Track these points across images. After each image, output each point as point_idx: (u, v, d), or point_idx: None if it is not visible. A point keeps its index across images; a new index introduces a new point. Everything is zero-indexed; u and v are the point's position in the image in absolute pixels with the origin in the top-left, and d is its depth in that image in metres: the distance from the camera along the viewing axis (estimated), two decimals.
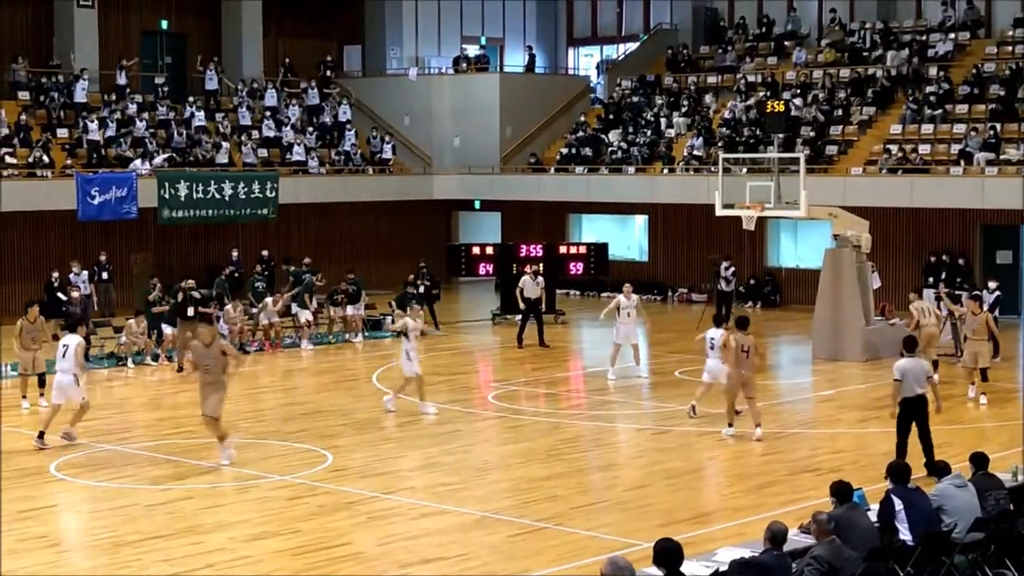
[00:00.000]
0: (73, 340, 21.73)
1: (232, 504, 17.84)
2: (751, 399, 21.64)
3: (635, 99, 46.76)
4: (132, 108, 41.42)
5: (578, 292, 42.78)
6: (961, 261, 36.08)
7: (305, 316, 32.68)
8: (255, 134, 43.54)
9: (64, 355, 21.62)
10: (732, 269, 35.86)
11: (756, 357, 21.81)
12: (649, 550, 10.84)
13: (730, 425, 21.76)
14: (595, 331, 34.07)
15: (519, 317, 32.91)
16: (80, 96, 40.47)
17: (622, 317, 27.87)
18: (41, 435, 21.08)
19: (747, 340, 21.44)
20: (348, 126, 45.81)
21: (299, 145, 43.54)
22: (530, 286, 32.29)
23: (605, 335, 30.35)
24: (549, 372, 29.42)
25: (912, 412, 18.98)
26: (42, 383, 24.72)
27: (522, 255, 36.63)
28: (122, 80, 42.02)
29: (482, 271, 37.43)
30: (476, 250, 37.43)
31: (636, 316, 28.03)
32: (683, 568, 10.78)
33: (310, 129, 45.17)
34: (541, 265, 35.32)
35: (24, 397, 24.67)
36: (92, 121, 39.68)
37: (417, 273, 35.07)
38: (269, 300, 32.01)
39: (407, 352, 23.82)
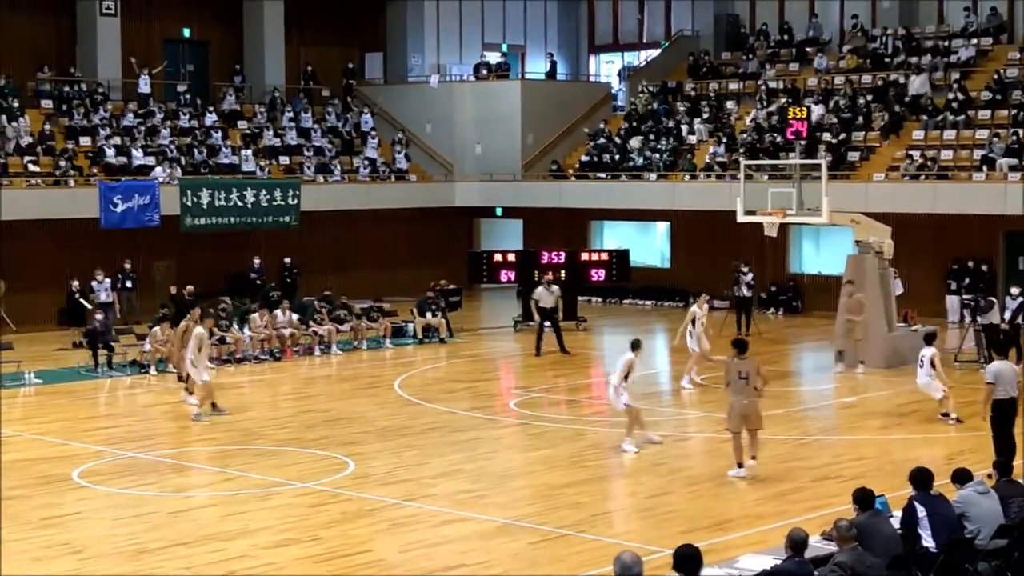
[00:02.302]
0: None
1: (254, 511, 17.86)
2: (752, 431, 19.55)
3: (656, 106, 46.73)
4: (158, 117, 41.56)
5: (600, 299, 42.74)
6: (984, 267, 35.94)
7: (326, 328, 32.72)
8: (277, 142, 43.64)
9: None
10: (751, 275, 35.80)
11: (758, 382, 19.63)
12: (670, 557, 10.83)
13: (739, 465, 19.49)
14: (616, 338, 34.05)
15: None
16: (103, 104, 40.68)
17: (697, 328, 27.75)
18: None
19: (745, 365, 19.55)
20: (372, 133, 45.89)
21: (321, 153, 43.69)
22: (545, 296, 32.31)
23: (624, 342, 30.30)
24: (571, 379, 29.41)
25: (1005, 414, 19.21)
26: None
27: (544, 262, 36.62)
28: (145, 88, 42.17)
29: (504, 278, 37.42)
30: (498, 257, 37.43)
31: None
32: (704, 575, 10.78)
33: (332, 137, 45.28)
34: (553, 274, 35.37)
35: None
36: (115, 129, 39.86)
37: (433, 293, 35.16)
38: (256, 315, 31.91)
39: None
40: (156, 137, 40.96)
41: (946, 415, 23.56)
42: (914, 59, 42.92)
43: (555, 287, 32.78)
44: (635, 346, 21.50)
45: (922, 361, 23.47)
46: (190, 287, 32.04)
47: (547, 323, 32.24)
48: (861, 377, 28.58)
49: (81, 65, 42.46)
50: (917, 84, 40.79)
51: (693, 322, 27.72)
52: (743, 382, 19.35)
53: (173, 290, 33.76)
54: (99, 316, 31.06)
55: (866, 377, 28.59)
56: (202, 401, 24.40)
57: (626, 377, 21.15)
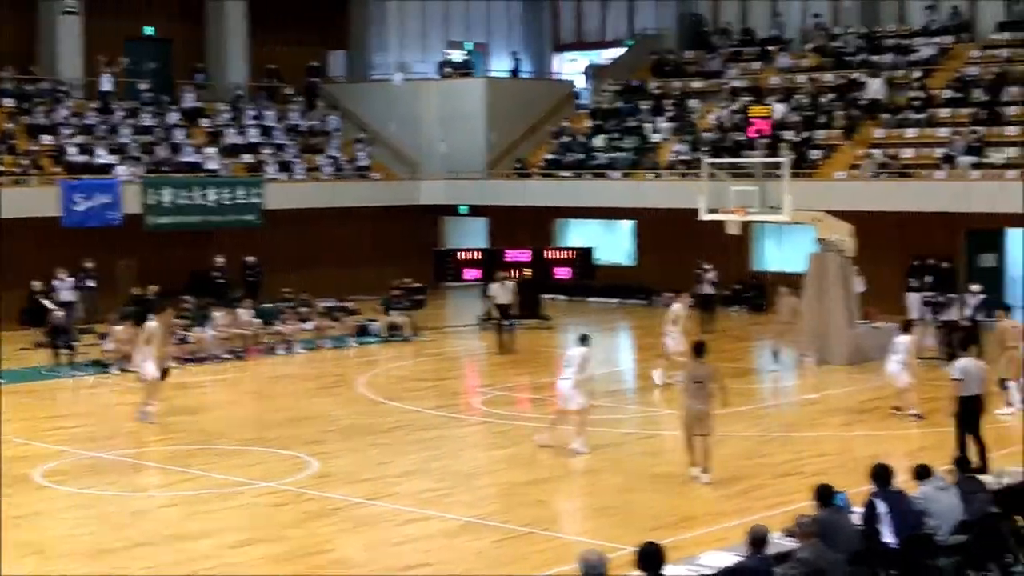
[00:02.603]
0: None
1: (217, 511, 17.83)
2: (704, 436, 19.10)
3: (621, 104, 46.82)
4: (118, 115, 41.38)
5: (565, 297, 42.78)
6: (945, 265, 36.13)
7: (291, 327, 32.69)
8: (240, 140, 43.53)
9: None
10: (714, 273, 35.90)
11: (714, 389, 19.12)
12: (633, 554, 10.87)
13: (693, 465, 19.24)
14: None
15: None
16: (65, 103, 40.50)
17: (679, 327, 27.75)
18: None
19: (702, 370, 19.18)
20: (336, 132, 45.84)
21: (283, 151, 43.62)
22: (500, 292, 32.34)
23: (592, 340, 30.35)
24: (536, 377, 29.42)
25: (971, 411, 19.34)
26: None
27: (509, 260, 36.66)
28: (107, 86, 41.98)
29: (469, 276, 37.42)
30: (463, 255, 37.44)
31: None
32: (667, 572, 10.83)
33: (295, 135, 45.19)
34: (519, 272, 35.41)
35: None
36: (77, 127, 39.70)
37: (398, 291, 35.18)
38: (219, 314, 31.83)
39: None
40: (118, 135, 40.78)
41: (897, 409, 23.73)
42: (875, 57, 43.12)
43: (509, 283, 32.73)
44: (584, 340, 21.49)
45: (897, 348, 23.65)
46: (153, 287, 31.87)
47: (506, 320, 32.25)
48: (808, 365, 29.19)
49: (43, 63, 42.23)
50: (875, 87, 40.83)
51: (675, 321, 27.74)
52: (697, 386, 18.95)
53: (136, 290, 33.61)
54: (60, 315, 30.92)
55: (828, 374, 28.71)
56: (148, 398, 24.00)
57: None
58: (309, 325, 33.28)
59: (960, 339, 24.20)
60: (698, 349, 19.40)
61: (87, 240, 36.86)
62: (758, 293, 40.38)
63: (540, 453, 21.13)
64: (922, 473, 14.45)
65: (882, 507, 13.62)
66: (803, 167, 39.25)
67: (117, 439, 22.89)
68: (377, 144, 47.10)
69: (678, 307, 27.94)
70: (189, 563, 15.47)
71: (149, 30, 45.46)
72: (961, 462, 15.56)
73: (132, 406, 25.72)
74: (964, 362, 19.60)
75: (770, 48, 46.44)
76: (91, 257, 36.29)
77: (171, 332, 28.32)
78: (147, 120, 42.21)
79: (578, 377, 20.93)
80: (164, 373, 24.95)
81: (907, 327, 24.52)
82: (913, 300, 36.61)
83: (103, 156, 39.38)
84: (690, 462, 19.18)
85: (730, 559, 12.53)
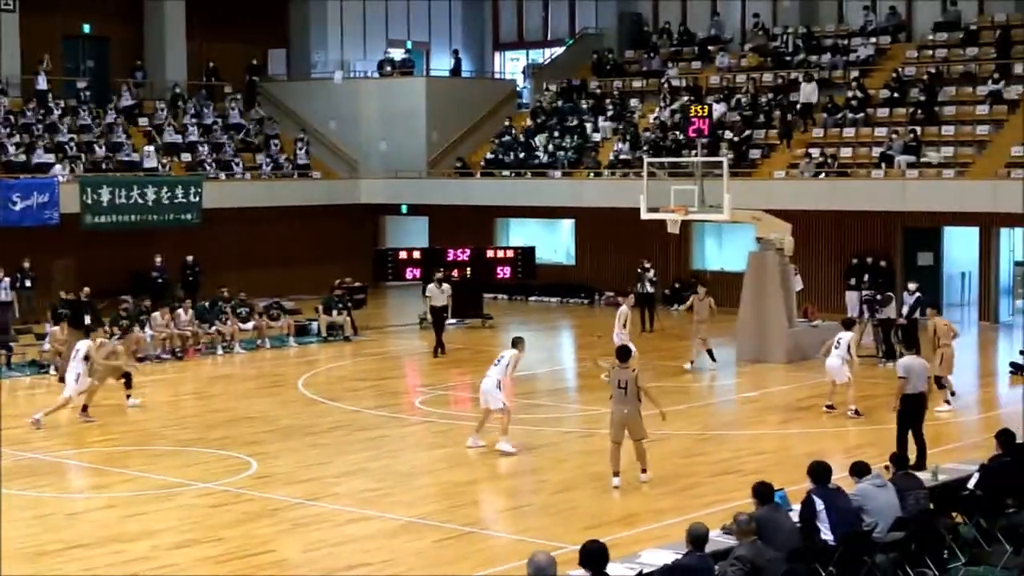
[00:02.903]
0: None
1: (155, 512, 17.71)
2: (636, 441, 18.77)
3: (561, 103, 46.89)
4: (56, 114, 41.02)
5: (506, 296, 42.81)
6: (883, 263, 36.42)
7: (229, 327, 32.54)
8: (178, 139, 43.25)
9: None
10: (654, 272, 36.02)
11: (640, 393, 18.70)
12: (575, 553, 10.89)
13: (615, 474, 18.71)
14: (522, 335, 34.05)
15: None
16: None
17: (628, 327, 27.65)
18: None
19: (625, 374, 18.70)
20: (273, 128, 45.64)
21: (222, 150, 43.40)
22: (436, 294, 32.03)
23: (531, 339, 30.37)
24: (476, 376, 29.29)
25: (913, 409, 19.44)
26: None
27: (449, 259, 36.64)
28: (43, 85, 41.60)
29: (409, 275, 37.35)
30: (403, 255, 37.39)
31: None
32: (608, 570, 10.85)
33: (234, 133, 44.94)
34: (459, 271, 35.38)
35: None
36: (14, 126, 39.32)
37: (338, 291, 35.06)
38: (157, 314, 31.64)
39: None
40: (55, 134, 40.42)
41: (830, 408, 23.85)
42: (814, 57, 43.39)
43: (447, 285, 32.44)
44: (517, 343, 21.42)
45: (838, 343, 23.81)
46: (86, 288, 31.39)
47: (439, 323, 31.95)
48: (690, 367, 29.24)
49: None
50: (807, 91, 40.94)
51: (624, 323, 27.68)
52: (622, 391, 18.55)
53: (64, 293, 33.01)
54: None
55: (767, 372, 28.86)
56: (52, 410, 23.78)
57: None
58: (249, 325, 33.12)
59: (904, 337, 24.40)
60: (622, 354, 19.00)
61: (24, 240, 36.49)
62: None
63: (480, 453, 21.12)
64: (859, 470, 14.55)
65: (820, 504, 13.71)
66: (743, 166, 39.49)
67: (54, 440, 22.69)
68: (317, 143, 46.95)
69: (625, 309, 27.85)
70: (127, 565, 15.36)
71: (86, 28, 45.07)
72: (898, 459, 15.68)
73: (69, 407, 25.59)
74: (908, 360, 19.75)
75: (710, 48, 46.63)
76: (28, 257, 35.95)
77: (133, 354, 28.19)
78: (85, 119, 41.86)
79: (501, 377, 20.85)
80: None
81: (848, 324, 24.72)
82: (851, 298, 36.91)
83: (40, 155, 39.01)
84: (613, 470, 18.62)
85: (670, 557, 12.58)
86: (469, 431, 21.98)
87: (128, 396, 25.26)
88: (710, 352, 29.61)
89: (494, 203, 44.21)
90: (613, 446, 18.74)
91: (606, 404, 25.02)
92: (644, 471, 18.91)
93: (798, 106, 41.05)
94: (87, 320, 28.88)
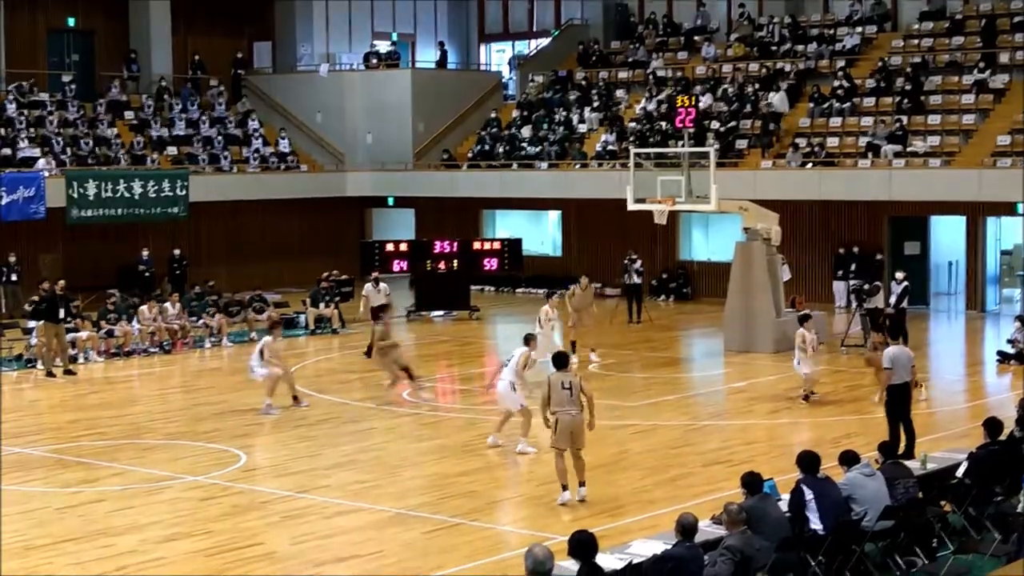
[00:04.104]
0: None
1: (144, 506, 17.68)
2: (576, 451, 17.45)
3: (547, 95, 46.86)
4: (47, 108, 40.94)
5: (492, 288, 42.79)
6: (879, 257, 36.33)
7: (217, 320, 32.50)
8: (165, 132, 43.17)
9: None
10: (640, 263, 36.02)
11: (584, 400, 17.57)
12: (564, 543, 10.90)
13: (564, 488, 17.42)
14: (509, 327, 34.11)
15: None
16: None
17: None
18: None
19: (569, 377, 17.48)
20: (254, 119, 45.60)
21: (209, 144, 43.33)
22: (373, 294, 31.08)
23: (518, 331, 30.37)
24: (464, 368, 29.42)
25: (899, 399, 19.43)
26: None
27: (436, 251, 36.63)
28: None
29: (396, 268, 37.32)
30: (390, 247, 37.33)
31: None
32: (598, 560, 10.86)
33: (220, 127, 44.86)
34: (446, 263, 35.29)
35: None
36: None
37: (326, 283, 34.95)
38: (144, 308, 31.57)
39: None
40: (41, 128, 40.31)
41: (807, 397, 23.96)
42: (800, 47, 43.42)
43: (384, 285, 31.64)
44: (528, 340, 21.21)
45: (803, 339, 23.93)
46: (61, 281, 31.04)
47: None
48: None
49: None
50: (776, 101, 40.64)
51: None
52: (567, 393, 17.20)
53: (46, 286, 32.78)
54: None
55: (755, 362, 28.89)
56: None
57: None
58: (237, 318, 33.08)
59: (890, 327, 24.44)
60: (559, 360, 17.63)
61: (10, 234, 36.44)
62: (684, 282, 40.56)
63: (469, 444, 21.10)
64: (848, 459, 14.57)
65: (809, 494, 13.74)
66: (729, 157, 39.49)
67: (43, 435, 22.65)
68: (303, 136, 46.87)
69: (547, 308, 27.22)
70: (115, 559, 15.34)
71: (71, 21, 44.94)
72: (886, 448, 15.71)
73: (58, 401, 25.60)
74: (894, 350, 19.75)
75: (696, 38, 46.63)
76: (14, 251, 35.90)
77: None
78: (70, 113, 41.75)
79: (513, 379, 20.54)
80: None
81: (803, 319, 24.59)
82: (839, 288, 37.01)
83: (25, 149, 38.91)
84: (562, 483, 17.32)
85: (659, 547, 12.59)
86: (457, 422, 21.97)
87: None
88: (573, 344, 28.35)
89: (480, 195, 44.19)
90: (559, 456, 17.32)
91: (596, 395, 25.12)
92: (582, 484, 17.48)
93: (764, 113, 40.60)
94: (61, 313, 28.63)
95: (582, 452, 17.44)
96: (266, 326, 25.54)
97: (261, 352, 24.05)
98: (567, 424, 17.20)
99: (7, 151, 38.59)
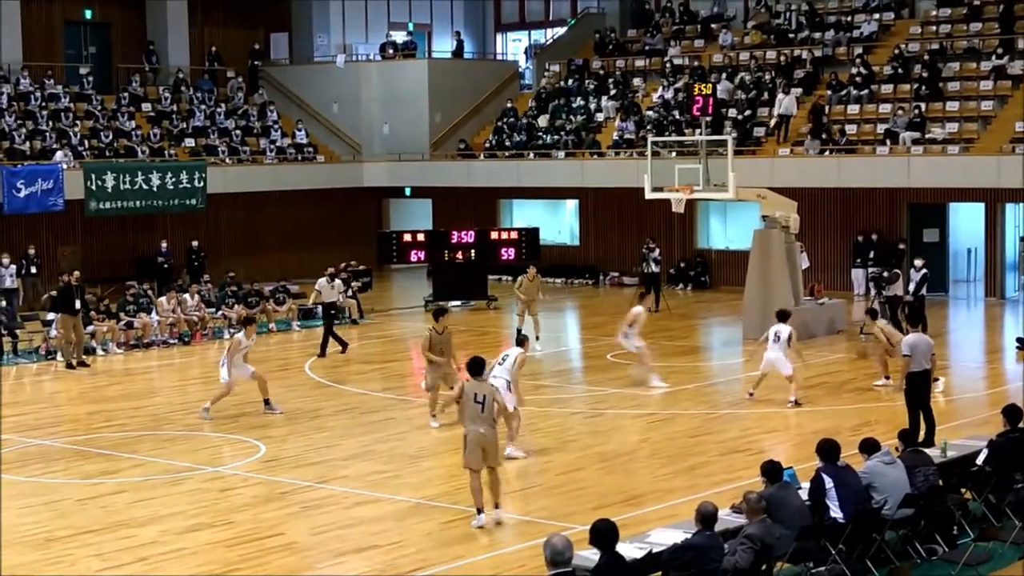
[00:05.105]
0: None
1: (164, 497, 17.73)
2: (491, 469, 16.14)
3: (564, 84, 46.81)
4: (64, 100, 41.05)
5: (510, 278, 42.72)
6: (901, 246, 36.21)
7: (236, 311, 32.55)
8: (182, 124, 43.23)
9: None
10: (659, 251, 35.99)
11: (501, 413, 16.64)
12: (584, 533, 10.91)
13: (479, 511, 16.05)
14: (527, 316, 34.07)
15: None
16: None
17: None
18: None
19: (483, 388, 16.16)
20: (272, 111, 45.64)
21: (227, 135, 43.39)
22: (327, 289, 30.32)
23: (539, 319, 30.42)
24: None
25: (919, 386, 19.39)
26: None
27: (453, 241, 36.65)
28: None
29: (413, 258, 37.36)
30: (407, 237, 37.35)
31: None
32: (618, 549, 10.86)
33: (237, 118, 44.91)
34: (463, 254, 35.37)
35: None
36: (19, 113, 39.33)
37: (344, 274, 34.95)
38: (164, 299, 31.64)
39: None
40: (59, 120, 40.40)
41: (752, 395, 23.54)
42: (817, 34, 43.31)
43: (338, 281, 30.86)
44: (521, 342, 20.85)
45: (777, 336, 23.28)
46: (76, 273, 31.05)
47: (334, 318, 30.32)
48: None
49: None
50: (785, 104, 40.11)
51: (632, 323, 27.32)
52: (479, 407, 15.86)
53: (65, 278, 32.84)
54: (4, 303, 30.69)
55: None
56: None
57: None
58: (255, 310, 33.12)
59: (908, 315, 24.36)
60: (475, 367, 16.31)
61: (30, 226, 36.55)
62: (702, 271, 40.53)
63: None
64: (869, 447, 14.55)
65: (829, 482, 13.72)
66: (747, 144, 39.42)
67: (62, 427, 22.74)
68: (320, 127, 46.91)
69: (639, 310, 25.20)
70: (136, 549, 15.38)
71: (88, 14, 45.00)
72: (906, 436, 15.68)
73: (77, 392, 25.66)
74: (913, 338, 19.68)
75: (712, 26, 46.55)
76: (34, 243, 36.01)
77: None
78: (88, 105, 41.83)
79: (508, 378, 19.87)
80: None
81: (783, 316, 24.04)
82: (858, 276, 36.93)
83: (44, 142, 39.00)
84: (477, 506, 16.02)
85: (679, 536, 12.59)
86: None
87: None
88: (519, 330, 27.11)
89: (497, 185, 44.20)
90: (473, 475, 15.94)
91: (613, 384, 25.23)
92: (497, 506, 16.21)
93: (775, 119, 40.31)
94: (77, 305, 28.68)
95: (497, 470, 16.16)
96: (286, 316, 24.47)
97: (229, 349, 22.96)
98: (476, 441, 15.82)
99: (26, 144, 38.68)
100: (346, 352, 29.37)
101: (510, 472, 19.25)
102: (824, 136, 38.38)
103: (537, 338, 29.25)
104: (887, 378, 24.07)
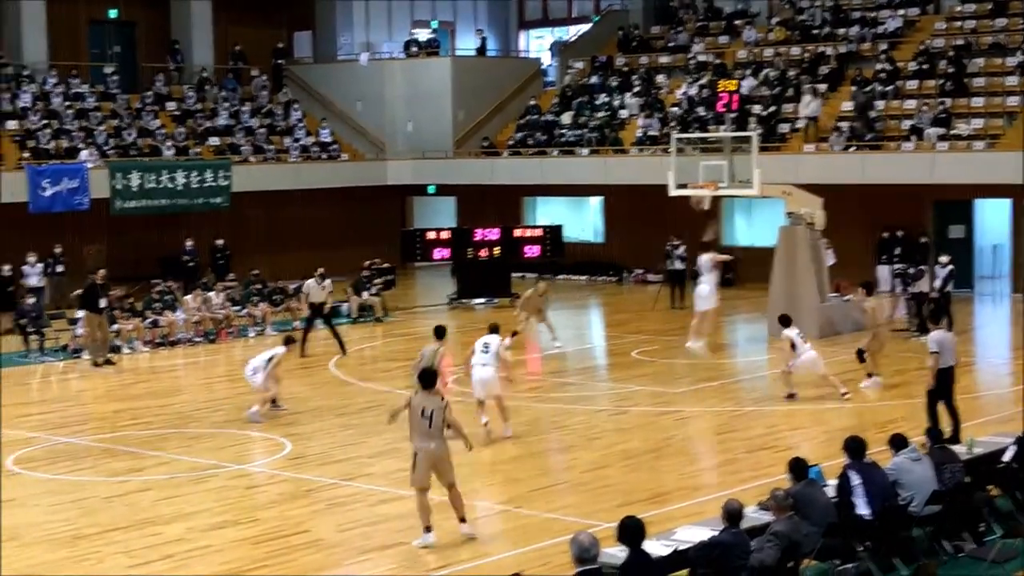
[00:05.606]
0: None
1: (190, 494, 17.78)
2: (449, 486, 15.34)
3: (589, 81, 46.75)
4: (91, 100, 41.20)
5: (534, 275, 42.71)
6: (923, 239, 36.09)
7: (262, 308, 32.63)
8: (207, 123, 43.34)
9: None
10: (684, 248, 35.92)
11: (451, 425, 15.54)
12: (609, 530, 10.89)
13: (427, 529, 15.25)
14: (551, 314, 34.02)
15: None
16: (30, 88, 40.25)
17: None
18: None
19: (432, 402, 15.28)
20: (296, 109, 45.72)
21: (251, 134, 43.48)
22: (315, 290, 29.81)
23: (560, 318, 30.42)
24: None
25: (945, 382, 19.32)
26: None
27: (477, 239, 36.66)
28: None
29: (437, 256, 37.36)
30: (431, 235, 37.37)
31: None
32: (645, 546, 10.85)
33: (262, 117, 44.99)
34: (488, 250, 35.26)
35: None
36: (44, 112, 39.49)
37: (368, 272, 35.01)
38: (189, 298, 31.73)
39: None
40: (83, 119, 40.54)
41: (846, 394, 23.51)
42: (842, 30, 43.18)
43: (328, 281, 29.99)
44: (495, 329, 21.30)
45: (803, 337, 23.41)
46: (102, 271, 31.10)
47: (319, 320, 29.75)
48: None
49: (6, 47, 41.89)
50: (812, 107, 40.02)
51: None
52: (426, 423, 15.10)
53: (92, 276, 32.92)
54: (31, 300, 30.82)
55: None
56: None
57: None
58: (280, 307, 33.20)
59: (932, 311, 24.30)
60: (425, 379, 15.53)
61: (56, 225, 36.67)
62: (727, 268, 40.36)
63: (515, 431, 21.05)
64: (898, 443, 14.51)
65: (856, 479, 13.68)
66: (772, 141, 39.32)
67: (89, 425, 22.82)
68: (344, 125, 46.95)
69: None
70: (163, 547, 15.43)
71: (113, 13, 45.13)
72: (933, 433, 15.63)
73: (104, 391, 25.75)
74: (939, 334, 19.60)
75: (736, 22, 46.45)
76: (60, 242, 36.13)
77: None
78: (113, 104, 41.97)
79: (495, 364, 20.63)
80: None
81: (786, 321, 24.12)
82: (883, 272, 36.76)
83: (70, 141, 39.14)
84: (424, 525, 15.24)
85: (705, 533, 12.57)
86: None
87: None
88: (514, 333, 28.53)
89: (521, 182, 44.19)
90: (420, 495, 15.20)
91: (637, 381, 25.22)
92: (463, 520, 15.49)
93: (799, 120, 40.27)
94: (102, 303, 28.78)
95: (455, 485, 15.36)
96: (282, 341, 23.98)
97: (269, 360, 22.71)
98: (427, 457, 15.13)
99: (52, 143, 38.81)
100: (303, 357, 28.54)
101: (539, 467, 19.26)
102: (870, 130, 38.30)
103: (554, 337, 29.41)
104: (870, 376, 23.94)
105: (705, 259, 29.14)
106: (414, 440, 15.23)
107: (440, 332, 21.33)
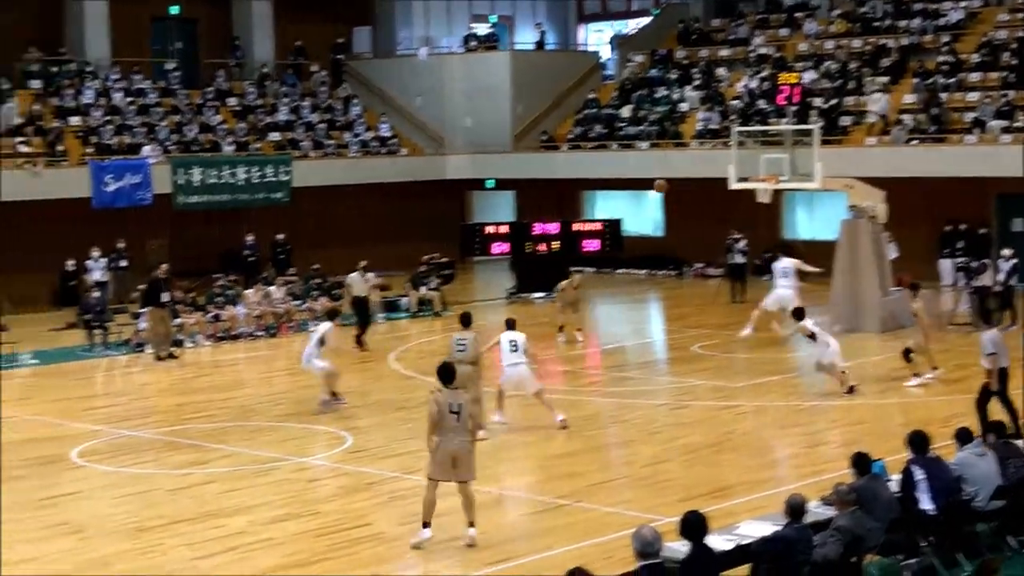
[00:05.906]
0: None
1: (253, 487, 17.88)
2: (463, 483, 15.11)
3: (649, 74, 46.62)
4: (152, 96, 41.53)
5: (593, 269, 42.70)
6: (978, 230, 35.79)
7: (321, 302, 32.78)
8: (267, 118, 43.56)
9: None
10: (744, 242, 35.76)
11: (474, 427, 15.67)
12: (669, 525, 10.87)
13: (426, 525, 15.11)
14: (610, 308, 34.06)
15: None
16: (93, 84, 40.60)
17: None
18: None
19: (458, 397, 15.21)
20: (356, 104, 45.87)
21: (311, 129, 43.66)
22: (358, 283, 30.12)
23: (618, 312, 30.35)
24: (567, 349, 29.38)
25: (1002, 382, 19.19)
26: None
27: (536, 233, 36.66)
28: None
29: (496, 250, 37.39)
30: (490, 229, 37.40)
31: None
32: (707, 541, 10.81)
33: (322, 112, 45.17)
34: (548, 245, 35.37)
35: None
36: (107, 108, 39.81)
37: (426, 266, 35.10)
38: (250, 292, 31.89)
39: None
40: (147, 115, 40.85)
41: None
42: (903, 23, 42.85)
43: (371, 275, 30.55)
44: (512, 324, 21.37)
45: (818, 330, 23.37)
46: (164, 266, 31.29)
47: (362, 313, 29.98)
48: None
49: (70, 45, 42.27)
50: (881, 104, 39.81)
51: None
52: (455, 417, 14.94)
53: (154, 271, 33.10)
54: (95, 295, 31.09)
55: (861, 341, 28.56)
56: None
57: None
58: (340, 301, 33.31)
59: (999, 304, 24.03)
60: (446, 374, 15.37)
61: (118, 220, 36.95)
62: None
63: (572, 425, 21.02)
64: (963, 437, 14.38)
65: (919, 474, 13.57)
66: (833, 134, 39.07)
67: (152, 418, 23.00)
68: (403, 120, 47.05)
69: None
70: (226, 539, 15.52)
71: (175, 10, 45.45)
72: (997, 427, 15.47)
73: (167, 384, 25.96)
74: (993, 334, 19.34)
75: (797, 15, 46.20)
76: (122, 237, 36.42)
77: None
78: (175, 100, 42.27)
79: (526, 361, 20.75)
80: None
81: (799, 314, 24.01)
82: (945, 266, 36.49)
83: (132, 136, 39.46)
84: (424, 519, 15.09)
85: (768, 528, 12.51)
86: (559, 403, 21.92)
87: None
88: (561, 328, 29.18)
89: (580, 176, 44.15)
90: (430, 485, 15.08)
91: (698, 375, 25.14)
92: (471, 524, 15.15)
93: (869, 115, 39.98)
94: (164, 297, 28.97)
95: (470, 485, 15.13)
96: (324, 313, 23.96)
97: (322, 340, 22.78)
98: (450, 451, 14.94)
99: (115, 138, 39.14)
100: (362, 351, 28.90)
101: (599, 461, 19.22)
102: (934, 123, 38.04)
103: (579, 330, 29.87)
104: (916, 376, 23.72)
105: (788, 265, 28.91)
106: (440, 434, 15.02)
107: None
